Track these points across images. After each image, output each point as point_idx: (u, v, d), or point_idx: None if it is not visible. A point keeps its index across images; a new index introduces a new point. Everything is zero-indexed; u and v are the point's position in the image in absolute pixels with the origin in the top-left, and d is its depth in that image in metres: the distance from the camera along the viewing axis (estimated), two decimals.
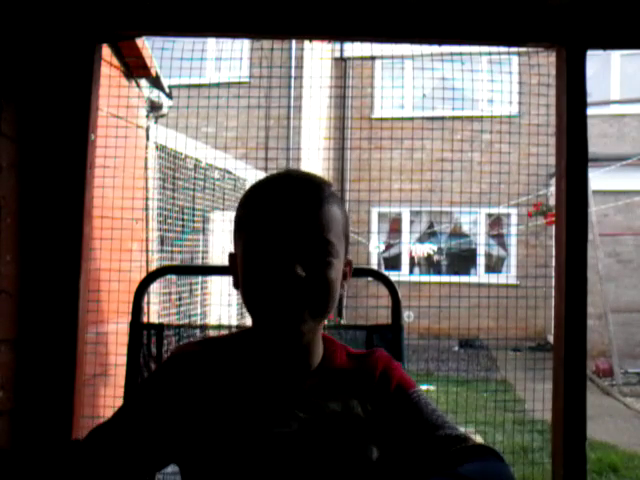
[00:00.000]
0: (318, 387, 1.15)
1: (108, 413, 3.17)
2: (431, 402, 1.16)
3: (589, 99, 1.72)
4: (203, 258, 5.69)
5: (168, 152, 4.76)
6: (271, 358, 1.15)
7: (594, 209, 8.00)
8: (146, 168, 4.32)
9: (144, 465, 1.12)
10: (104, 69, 1.77)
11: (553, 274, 1.90)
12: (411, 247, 10.68)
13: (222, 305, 5.46)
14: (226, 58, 6.15)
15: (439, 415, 1.14)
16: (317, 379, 1.15)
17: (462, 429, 1.15)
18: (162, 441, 1.12)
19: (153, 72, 4.14)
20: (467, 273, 10.60)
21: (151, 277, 1.77)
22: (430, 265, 10.99)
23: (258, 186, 1.15)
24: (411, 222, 11.43)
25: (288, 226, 1.08)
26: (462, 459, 1.06)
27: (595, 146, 4.77)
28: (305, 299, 1.08)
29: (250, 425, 1.11)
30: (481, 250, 11.16)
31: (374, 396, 1.15)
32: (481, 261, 10.96)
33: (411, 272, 10.59)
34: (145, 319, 1.69)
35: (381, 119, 8.95)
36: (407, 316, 6.04)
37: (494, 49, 4.10)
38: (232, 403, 1.12)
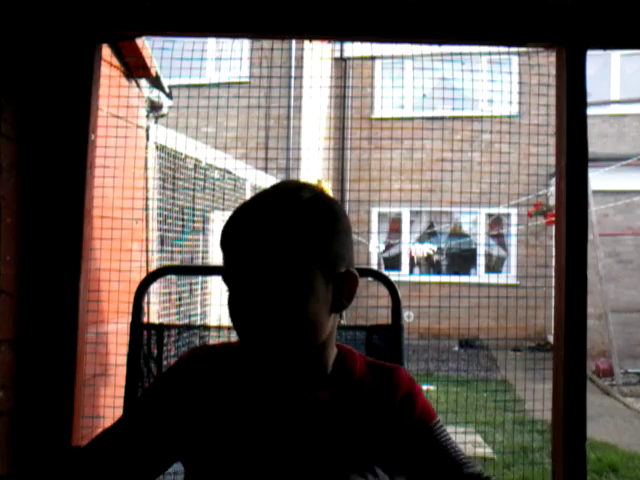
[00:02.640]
0: (332, 399, 1.12)
1: (108, 413, 3.17)
2: (449, 435, 1.14)
3: (589, 99, 1.72)
4: (203, 258, 5.68)
5: (168, 152, 4.76)
6: (275, 369, 1.13)
7: (594, 209, 7.99)
8: (146, 168, 4.32)
9: (151, 468, 1.12)
10: (104, 69, 1.77)
11: (553, 274, 1.90)
12: (411, 247, 10.68)
13: (222, 305, 5.45)
14: (226, 58, 6.14)
15: (460, 451, 1.13)
16: (332, 390, 1.13)
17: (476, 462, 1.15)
18: (169, 444, 1.12)
19: (153, 72, 4.14)
20: (467, 273, 10.60)
21: (151, 277, 1.77)
22: (430, 265, 10.99)
23: (229, 220, 1.09)
24: (411, 222, 11.43)
25: (243, 273, 1.05)
26: None
27: (595, 146, 4.77)
28: (275, 337, 1.05)
29: (256, 432, 1.10)
30: (481, 250, 11.16)
31: (393, 420, 1.12)
32: (481, 261, 10.96)
33: (411, 272, 10.59)
34: (145, 319, 1.69)
35: (381, 119, 8.95)
36: (407, 316, 6.04)
37: (494, 49, 4.10)
38: (239, 410, 1.12)
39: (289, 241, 1.04)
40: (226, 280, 1.09)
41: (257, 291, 1.04)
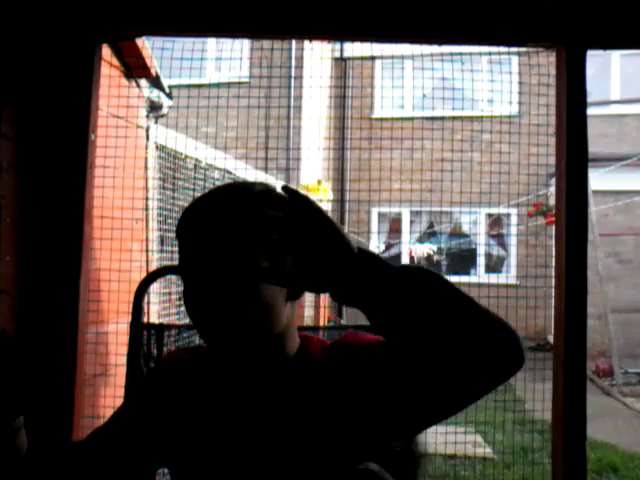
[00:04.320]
0: (295, 380, 1.13)
1: (108, 413, 3.17)
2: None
3: (589, 99, 1.72)
4: None
5: (168, 152, 4.75)
6: (236, 360, 1.14)
7: (594, 209, 7.99)
8: (146, 168, 4.32)
9: (137, 468, 1.13)
10: (104, 69, 1.77)
11: (553, 274, 1.90)
12: (411, 247, 10.68)
13: None
14: (226, 58, 6.14)
15: None
16: (293, 373, 1.14)
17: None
18: (153, 444, 1.13)
19: (153, 72, 4.14)
20: (467, 273, 10.60)
21: (151, 277, 1.76)
22: (430, 265, 10.98)
23: (180, 218, 1.12)
24: (411, 222, 11.43)
25: (199, 259, 1.06)
26: None
27: (595, 146, 4.75)
28: (232, 326, 1.06)
29: (232, 426, 1.11)
30: (481, 250, 11.15)
31: (341, 367, 1.11)
32: (481, 261, 10.96)
33: None
34: (145, 319, 1.69)
35: (381, 119, 8.94)
36: None
37: (494, 49, 4.10)
38: (216, 407, 1.13)
39: (240, 224, 1.06)
40: (182, 272, 1.10)
41: (210, 275, 1.05)
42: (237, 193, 1.09)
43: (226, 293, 1.05)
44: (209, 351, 1.19)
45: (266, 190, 1.10)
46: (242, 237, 1.05)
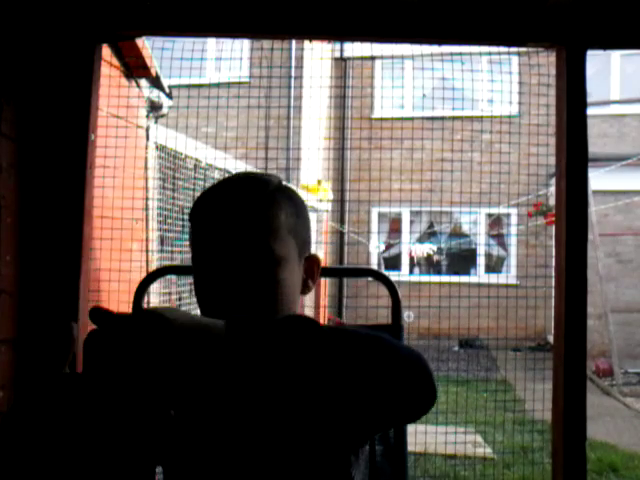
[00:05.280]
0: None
1: None
2: None
3: (589, 99, 1.72)
4: None
5: (168, 152, 4.76)
6: None
7: (594, 209, 7.99)
8: (146, 168, 4.32)
9: (138, 467, 1.13)
10: (104, 69, 1.77)
11: (553, 274, 1.90)
12: (411, 247, 10.68)
13: None
14: (226, 58, 6.15)
15: None
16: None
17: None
18: (151, 442, 1.13)
19: (153, 72, 4.14)
20: (467, 273, 10.60)
21: (151, 277, 1.77)
22: (430, 265, 10.99)
23: (197, 202, 1.13)
24: (411, 222, 11.43)
25: (218, 244, 1.06)
26: None
27: (595, 146, 4.77)
28: (250, 310, 1.05)
29: (229, 423, 1.11)
30: (481, 250, 11.16)
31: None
32: (481, 261, 10.97)
33: (411, 272, 10.59)
34: None
35: (381, 119, 8.96)
36: (407, 316, 6.03)
37: (494, 49, 4.10)
38: (214, 405, 1.13)
39: (270, 211, 1.08)
40: (198, 257, 1.09)
41: (226, 259, 1.05)
42: (252, 180, 1.12)
43: (238, 273, 1.05)
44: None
45: (280, 182, 1.15)
46: (257, 222, 1.06)
